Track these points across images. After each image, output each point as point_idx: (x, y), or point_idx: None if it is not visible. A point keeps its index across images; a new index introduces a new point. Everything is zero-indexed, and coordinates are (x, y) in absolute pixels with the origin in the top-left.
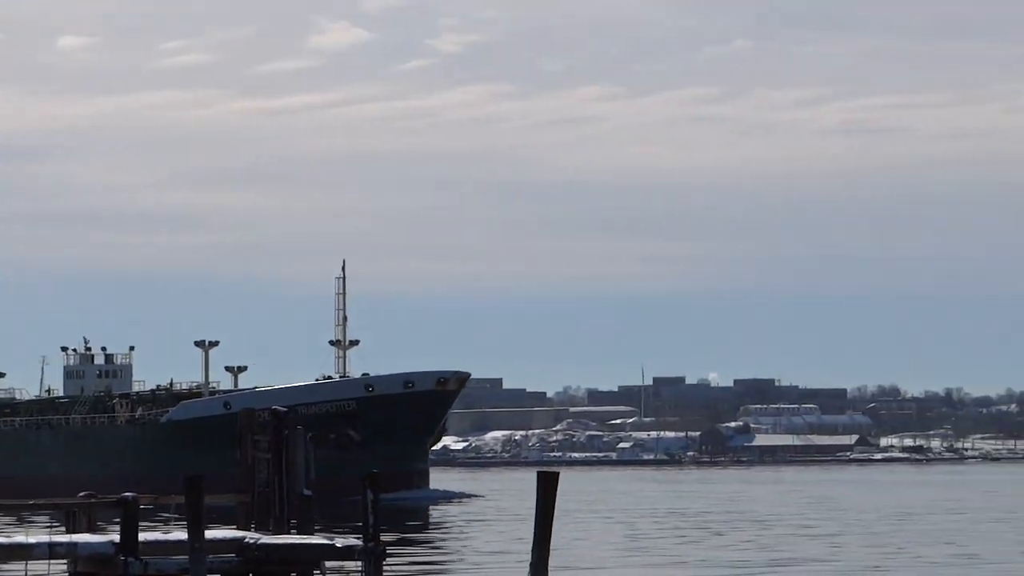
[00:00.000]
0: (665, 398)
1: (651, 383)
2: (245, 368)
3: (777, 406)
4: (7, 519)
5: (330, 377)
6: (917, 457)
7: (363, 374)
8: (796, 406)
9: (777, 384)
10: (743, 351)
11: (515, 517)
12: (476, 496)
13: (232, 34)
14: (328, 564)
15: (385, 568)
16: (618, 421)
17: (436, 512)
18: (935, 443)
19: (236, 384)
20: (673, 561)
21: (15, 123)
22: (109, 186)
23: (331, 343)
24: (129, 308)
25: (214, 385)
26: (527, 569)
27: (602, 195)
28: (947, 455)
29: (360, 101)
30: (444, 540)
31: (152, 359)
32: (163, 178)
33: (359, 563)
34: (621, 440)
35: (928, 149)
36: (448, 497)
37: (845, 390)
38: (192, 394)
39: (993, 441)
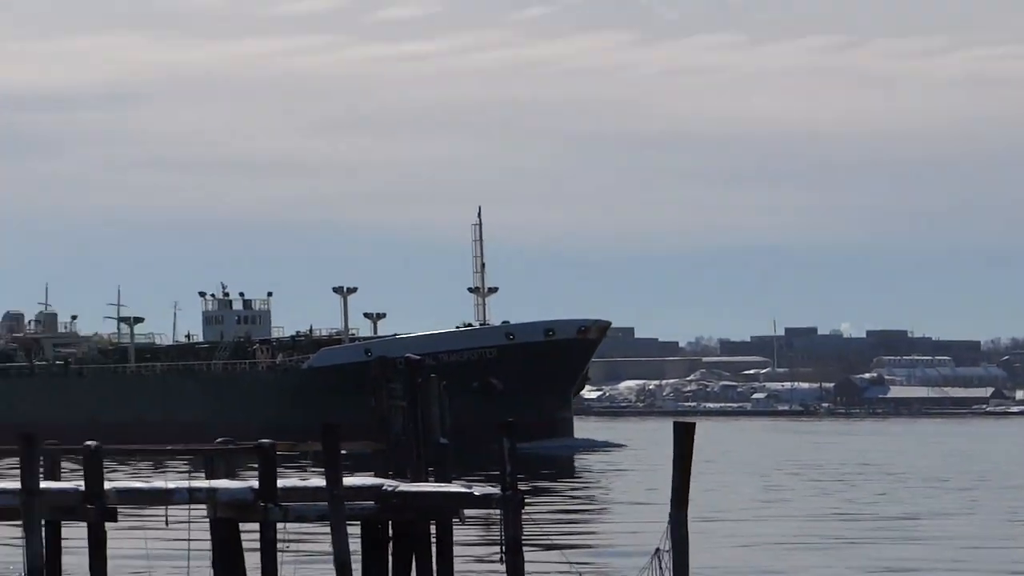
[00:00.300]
0: (798, 349)
1: (783, 333)
2: (384, 315)
3: (911, 357)
4: (147, 465)
5: (470, 325)
6: None
7: (503, 322)
8: (930, 358)
9: (910, 335)
10: (875, 302)
11: (654, 467)
12: (619, 445)
13: None
14: (467, 512)
15: (525, 516)
16: (751, 371)
17: (580, 461)
18: None
19: (375, 331)
20: (809, 513)
21: (139, 69)
22: (238, 133)
23: (470, 290)
24: (266, 254)
25: (353, 332)
26: (666, 519)
27: (730, 145)
28: None
29: (481, 48)
30: (585, 489)
31: (290, 305)
32: (292, 125)
33: (498, 511)
34: (755, 391)
35: None
36: (592, 446)
37: (979, 342)
38: (331, 341)
39: None
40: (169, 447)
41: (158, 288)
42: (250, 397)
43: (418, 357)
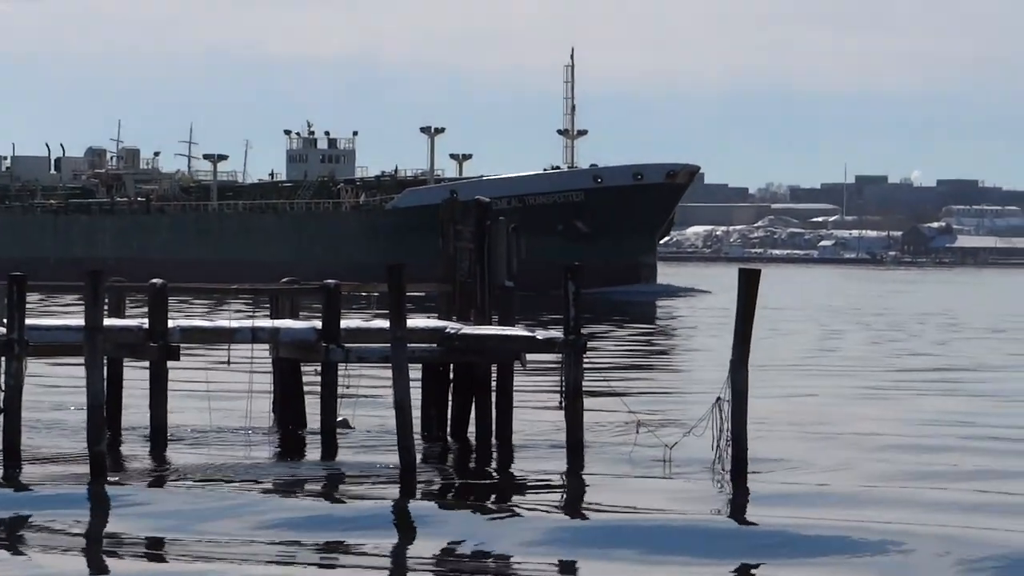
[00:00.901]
0: (868, 197)
1: (853, 181)
2: (470, 156)
3: (980, 207)
4: (208, 303)
5: (558, 167)
6: None
7: (591, 165)
8: (999, 208)
9: (980, 185)
10: (947, 151)
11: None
12: (703, 292)
13: None
14: (529, 356)
15: (589, 362)
16: (820, 219)
17: (662, 306)
18: None
19: (460, 172)
20: (860, 364)
21: None
22: None
23: (559, 132)
24: (350, 93)
25: (439, 173)
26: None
27: None
28: None
29: None
30: (658, 334)
31: (375, 146)
32: None
33: (560, 355)
34: (822, 238)
35: None
36: (674, 292)
37: None
38: (416, 181)
39: None
40: (234, 286)
41: (243, 126)
42: (333, 237)
43: (487, 199)
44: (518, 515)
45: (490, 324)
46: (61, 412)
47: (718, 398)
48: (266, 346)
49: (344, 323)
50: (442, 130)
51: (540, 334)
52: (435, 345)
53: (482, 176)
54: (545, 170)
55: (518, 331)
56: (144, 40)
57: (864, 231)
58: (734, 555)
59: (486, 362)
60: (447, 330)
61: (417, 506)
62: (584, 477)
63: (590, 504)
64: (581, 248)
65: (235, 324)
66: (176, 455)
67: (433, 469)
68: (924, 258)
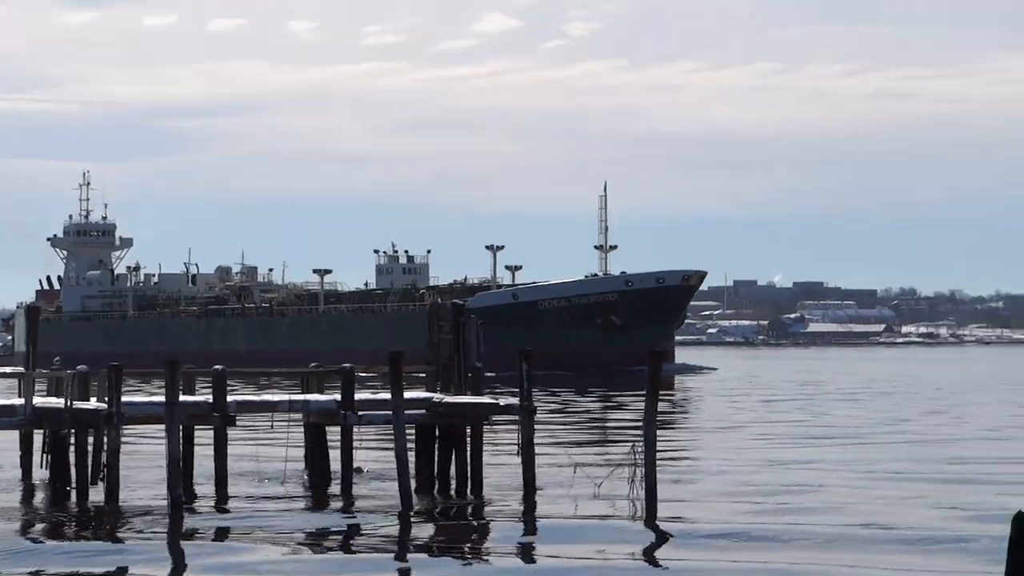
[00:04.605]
0: (742, 295)
1: (731, 284)
2: (520, 267)
3: (825, 302)
4: (261, 383)
5: (595, 274)
6: (929, 341)
7: (621, 272)
8: (839, 302)
9: (825, 286)
10: (799, 259)
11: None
12: (713, 369)
13: (416, 21)
14: (496, 418)
15: (541, 423)
16: (707, 312)
17: (680, 381)
18: (943, 331)
19: (514, 280)
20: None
21: (259, 85)
22: (342, 131)
23: (596, 247)
24: (422, 218)
25: (499, 280)
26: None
27: (693, 142)
28: (951, 340)
29: (513, 72)
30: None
31: (443, 260)
32: (400, 124)
33: (517, 416)
34: (709, 327)
35: (932, 109)
36: (690, 370)
37: (875, 291)
38: (482, 287)
39: (986, 329)
40: (276, 370)
41: (345, 246)
42: (417, 332)
43: (462, 302)
44: (485, 524)
45: (465, 394)
46: (151, 468)
47: (632, 444)
48: (299, 414)
49: (358, 395)
50: (502, 247)
51: (502, 401)
52: (425, 411)
53: (535, 282)
54: (585, 277)
55: (486, 399)
56: (269, 183)
57: (739, 321)
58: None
59: (462, 424)
60: (433, 399)
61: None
62: (535, 501)
63: (539, 515)
64: (616, 337)
65: (276, 398)
66: (232, 492)
67: (425, 499)
68: (785, 340)
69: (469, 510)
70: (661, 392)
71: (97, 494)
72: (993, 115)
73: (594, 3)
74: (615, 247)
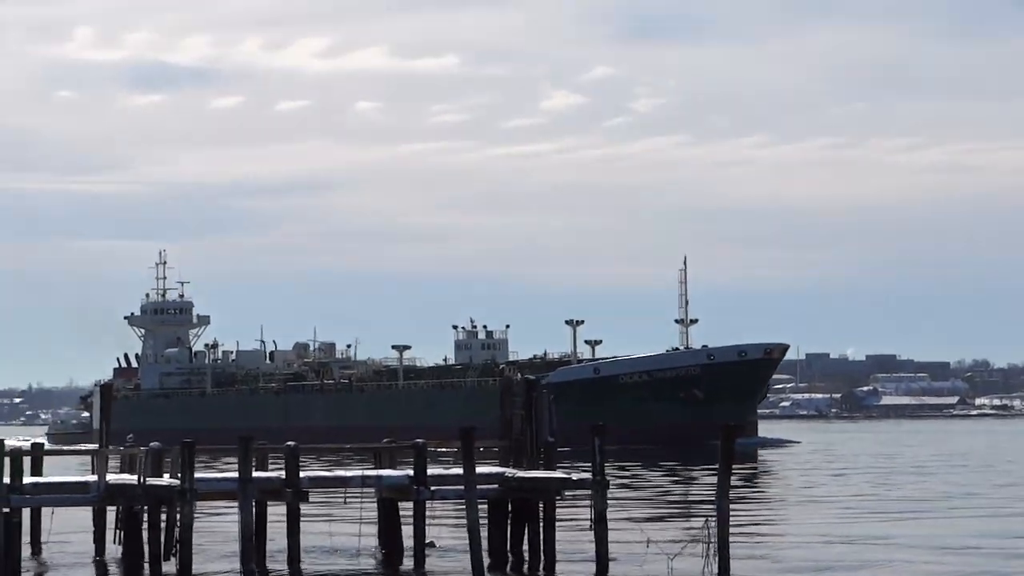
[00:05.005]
0: (815, 368)
1: (804, 358)
2: (600, 342)
3: (899, 375)
4: (335, 458)
5: (677, 348)
6: (1003, 413)
7: (703, 346)
8: (912, 375)
9: (898, 358)
10: (872, 332)
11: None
12: (795, 442)
13: (482, 99)
14: (568, 492)
15: (615, 498)
16: (780, 386)
17: (763, 455)
18: (1017, 403)
19: (594, 355)
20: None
21: (327, 164)
22: (410, 209)
23: (676, 321)
24: (498, 294)
25: (580, 355)
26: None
27: (753, 216)
28: None
29: (579, 148)
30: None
31: (521, 335)
32: (468, 202)
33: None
34: (782, 400)
35: (1002, 181)
36: (772, 444)
37: (948, 363)
38: (562, 362)
39: None
40: (348, 445)
41: (414, 321)
42: (497, 406)
43: (533, 377)
44: None
45: (537, 469)
46: (224, 542)
47: (706, 519)
48: (372, 489)
49: (431, 470)
50: (582, 322)
51: (575, 476)
52: (497, 486)
53: (615, 356)
54: (667, 351)
55: (558, 474)
56: (339, 260)
57: (812, 394)
58: None
59: (535, 498)
60: (505, 474)
61: None
62: None
63: None
64: (699, 411)
65: (349, 473)
66: (305, 568)
67: (498, 574)
68: (858, 413)
69: None
70: (744, 466)
71: (170, 568)
72: None
73: (659, 80)
74: (696, 320)
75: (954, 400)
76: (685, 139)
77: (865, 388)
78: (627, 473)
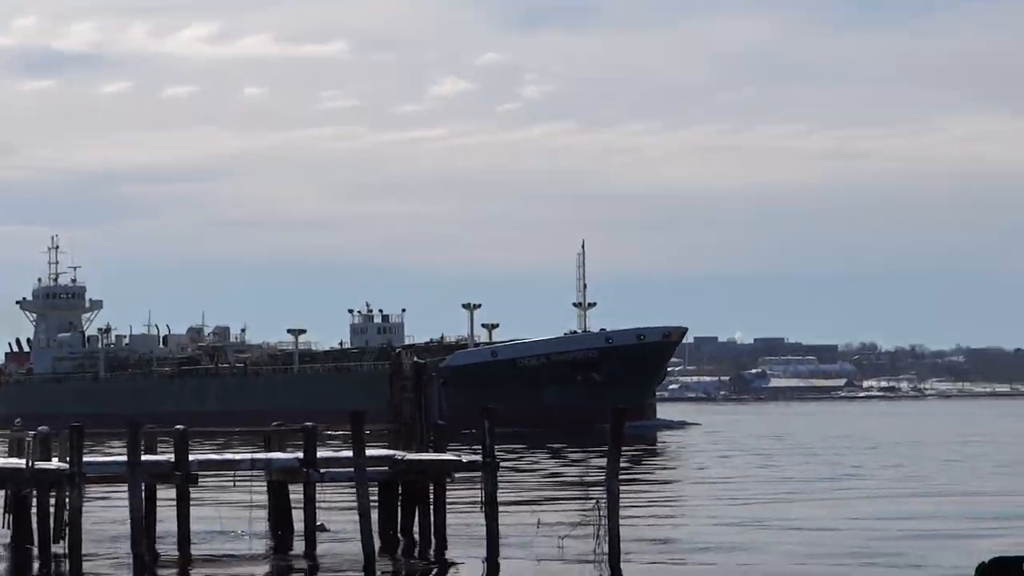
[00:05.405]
0: (704, 351)
1: (692, 341)
2: (497, 325)
3: (786, 357)
4: (225, 441)
5: (575, 331)
6: (890, 395)
7: (601, 329)
8: (800, 357)
9: (786, 341)
10: (760, 315)
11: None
12: (694, 424)
13: (371, 85)
14: (458, 475)
15: (506, 479)
16: (669, 368)
17: (662, 436)
18: (904, 385)
19: (491, 338)
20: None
21: (216, 150)
22: (302, 195)
23: (574, 304)
24: (393, 279)
25: (476, 339)
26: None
27: (648, 201)
28: (912, 393)
29: (469, 134)
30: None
31: (418, 319)
32: (360, 187)
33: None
34: (671, 383)
35: (888, 167)
36: (671, 426)
37: (836, 345)
38: (459, 345)
39: (946, 383)
40: (238, 428)
41: (309, 305)
42: None
43: (422, 361)
44: None
45: (427, 451)
46: (113, 525)
47: (596, 500)
48: (263, 472)
49: (320, 453)
50: (479, 305)
51: (465, 458)
52: (387, 468)
53: (515, 339)
54: (565, 334)
55: (448, 456)
56: (229, 246)
57: (701, 377)
58: None
59: (426, 480)
60: (395, 456)
61: None
62: (499, 562)
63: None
64: (597, 393)
65: (239, 456)
66: (195, 551)
67: (388, 558)
68: (746, 395)
69: (433, 570)
70: (640, 449)
71: (59, 551)
72: (947, 174)
73: (547, 66)
74: (594, 304)
75: (842, 383)
76: (574, 125)
77: (753, 371)
78: (520, 456)
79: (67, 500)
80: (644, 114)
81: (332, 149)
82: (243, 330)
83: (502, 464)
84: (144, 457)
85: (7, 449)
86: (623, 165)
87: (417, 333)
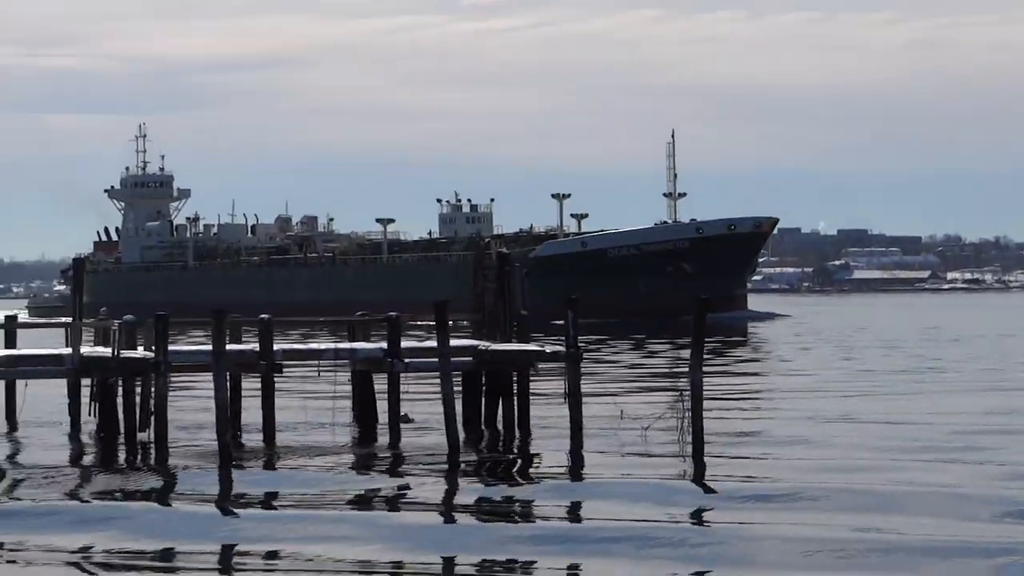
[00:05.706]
0: (787, 243)
1: (776, 232)
2: (586, 215)
3: (869, 249)
4: (303, 331)
5: (665, 222)
6: (974, 287)
7: (691, 220)
8: (883, 249)
9: (869, 233)
10: (844, 207)
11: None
12: (785, 316)
13: None
14: (541, 365)
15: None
16: None
17: (753, 327)
18: (988, 277)
19: (580, 228)
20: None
21: (296, 40)
22: (381, 86)
23: (664, 195)
24: (482, 169)
25: (566, 229)
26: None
27: (721, 93)
28: (996, 286)
29: (547, 24)
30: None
31: (507, 209)
32: (442, 78)
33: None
34: (754, 275)
35: (978, 58)
36: (760, 317)
37: (920, 237)
38: (548, 236)
39: None
40: (322, 318)
41: (399, 194)
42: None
43: (506, 251)
44: (534, 480)
45: (510, 342)
46: (198, 414)
47: (680, 391)
48: (346, 362)
49: (404, 343)
50: (568, 195)
51: (548, 348)
52: (471, 358)
53: (604, 230)
54: (656, 224)
55: (531, 346)
56: (313, 137)
57: (784, 268)
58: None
59: (508, 370)
60: (479, 347)
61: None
62: (583, 453)
63: (586, 472)
64: (687, 285)
65: (323, 346)
66: (280, 440)
67: (471, 449)
68: (829, 287)
69: (517, 461)
70: (731, 339)
71: (145, 439)
72: None
73: None
74: (684, 195)
75: (925, 275)
76: (655, 14)
77: (837, 262)
78: (607, 347)
79: (152, 389)
80: (727, 2)
81: (410, 39)
82: (331, 219)
83: (585, 355)
84: (229, 346)
85: (93, 338)
86: (706, 55)
87: (506, 223)
